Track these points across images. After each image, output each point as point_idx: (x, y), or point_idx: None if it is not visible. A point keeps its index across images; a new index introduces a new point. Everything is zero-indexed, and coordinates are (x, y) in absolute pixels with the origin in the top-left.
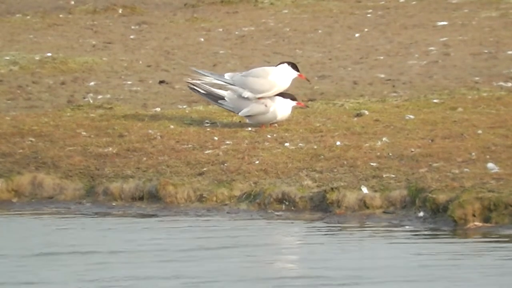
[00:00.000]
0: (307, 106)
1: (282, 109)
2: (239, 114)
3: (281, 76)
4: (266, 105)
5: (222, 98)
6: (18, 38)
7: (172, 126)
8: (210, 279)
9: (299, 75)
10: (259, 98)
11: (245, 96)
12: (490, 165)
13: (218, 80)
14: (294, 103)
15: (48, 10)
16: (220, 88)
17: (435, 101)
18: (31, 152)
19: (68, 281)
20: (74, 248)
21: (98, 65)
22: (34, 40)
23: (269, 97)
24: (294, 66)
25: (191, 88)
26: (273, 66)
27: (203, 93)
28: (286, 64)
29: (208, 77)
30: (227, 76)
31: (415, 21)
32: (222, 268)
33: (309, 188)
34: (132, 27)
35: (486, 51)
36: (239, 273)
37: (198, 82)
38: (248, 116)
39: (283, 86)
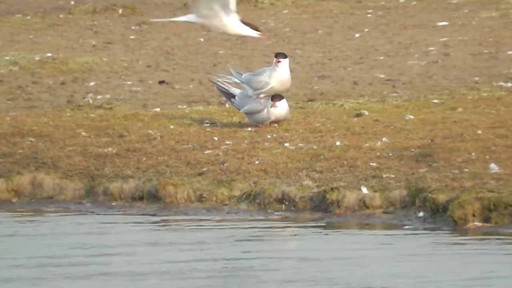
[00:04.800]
0: (277, 106)
1: (275, 109)
2: (241, 111)
3: (273, 74)
4: (261, 104)
5: (234, 96)
6: (18, 38)
7: (172, 126)
8: None
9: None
10: (260, 98)
11: (249, 94)
12: (492, 165)
13: (236, 78)
14: (271, 102)
15: (48, 10)
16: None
17: (435, 101)
18: (31, 152)
19: None
20: None
21: (98, 65)
22: (34, 40)
23: (266, 98)
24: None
25: (215, 84)
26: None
27: (223, 90)
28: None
29: (232, 77)
30: (244, 76)
31: (415, 21)
32: None
33: (309, 188)
34: (132, 27)
35: (486, 51)
36: None
37: (221, 80)
38: (247, 114)
39: (275, 83)
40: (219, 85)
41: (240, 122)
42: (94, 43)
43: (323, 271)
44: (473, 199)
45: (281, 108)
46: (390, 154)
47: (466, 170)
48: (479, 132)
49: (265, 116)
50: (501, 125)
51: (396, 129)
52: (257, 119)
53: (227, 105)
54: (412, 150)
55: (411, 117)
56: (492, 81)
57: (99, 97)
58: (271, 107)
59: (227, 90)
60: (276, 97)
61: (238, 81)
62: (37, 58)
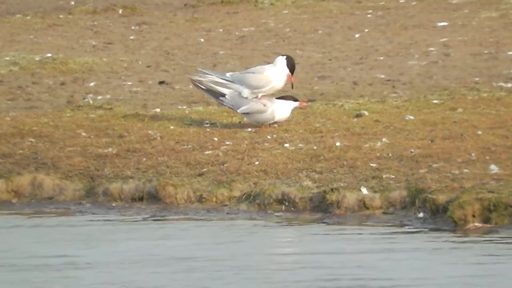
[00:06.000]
0: (307, 106)
1: (281, 111)
2: (238, 111)
3: (277, 73)
4: (264, 105)
5: (223, 95)
6: (18, 39)
7: (172, 127)
8: None
9: (288, 75)
10: (259, 98)
11: (244, 95)
12: (492, 166)
13: (220, 78)
14: (296, 104)
15: (48, 10)
16: (221, 86)
17: (435, 101)
18: (31, 152)
19: None
20: None
21: (98, 65)
22: (34, 41)
23: (269, 98)
24: (290, 62)
25: (194, 84)
26: (271, 64)
27: (204, 89)
28: (282, 57)
29: (211, 76)
30: (228, 74)
31: (415, 22)
32: None
33: (309, 188)
34: (132, 27)
35: (486, 51)
36: None
37: (201, 79)
38: (246, 114)
39: (279, 82)
40: (200, 85)
41: (240, 122)
42: (94, 43)
43: (322, 272)
44: (473, 199)
45: (287, 111)
46: (390, 155)
47: (466, 170)
48: (479, 132)
49: (269, 116)
50: (501, 126)
51: (396, 129)
52: (259, 120)
53: None
54: (412, 150)
55: (411, 117)
56: (492, 81)
57: (99, 97)
58: (300, 107)
59: (213, 88)
60: (290, 97)
61: (220, 80)
62: (37, 58)
